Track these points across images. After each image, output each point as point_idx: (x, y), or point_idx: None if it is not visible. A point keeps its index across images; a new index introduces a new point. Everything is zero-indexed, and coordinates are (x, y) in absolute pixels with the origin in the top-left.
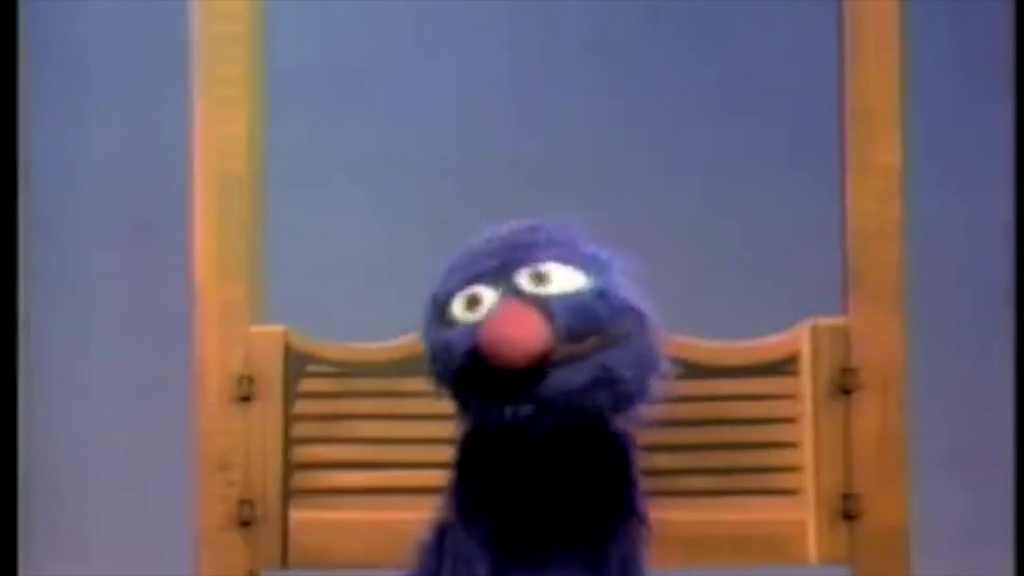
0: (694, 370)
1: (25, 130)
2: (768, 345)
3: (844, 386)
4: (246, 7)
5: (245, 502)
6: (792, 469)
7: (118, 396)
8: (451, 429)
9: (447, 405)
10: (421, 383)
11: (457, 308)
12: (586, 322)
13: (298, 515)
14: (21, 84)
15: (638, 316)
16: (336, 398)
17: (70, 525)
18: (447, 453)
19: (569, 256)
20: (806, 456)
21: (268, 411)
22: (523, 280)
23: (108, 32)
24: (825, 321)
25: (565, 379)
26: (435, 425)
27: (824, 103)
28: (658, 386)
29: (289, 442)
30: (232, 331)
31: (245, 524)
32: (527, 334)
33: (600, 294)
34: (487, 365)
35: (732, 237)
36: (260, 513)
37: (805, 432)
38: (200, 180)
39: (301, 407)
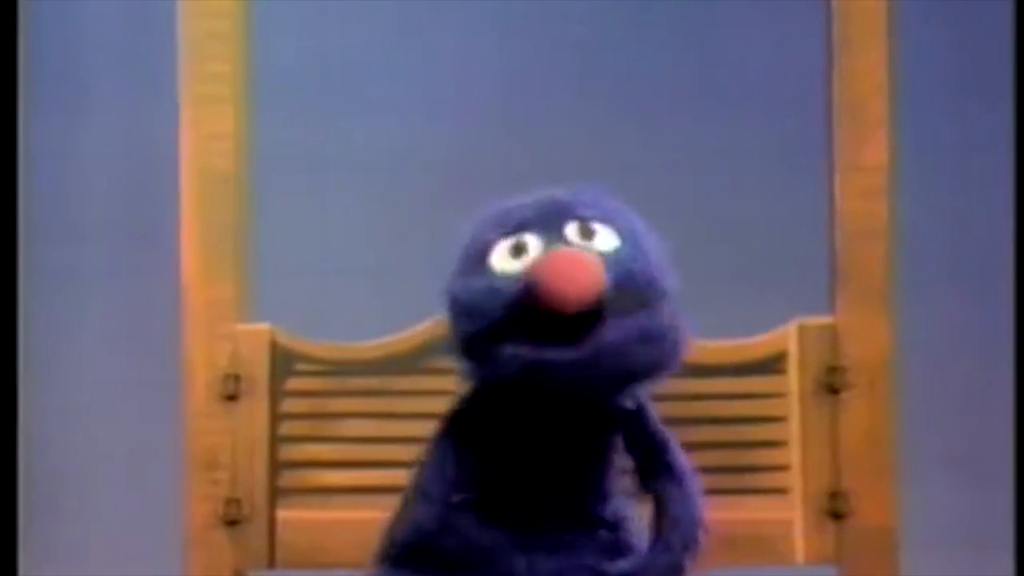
0: (680, 369)
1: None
2: (755, 344)
3: (831, 385)
4: (233, 5)
5: (232, 501)
6: (779, 468)
7: (104, 394)
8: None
9: (435, 404)
10: (409, 382)
11: (498, 257)
12: (629, 281)
13: (285, 514)
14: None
15: (668, 283)
16: (323, 397)
17: (55, 523)
18: None
19: (610, 218)
20: (793, 455)
21: (255, 410)
22: (571, 232)
23: (97, 30)
24: (812, 320)
25: (614, 333)
26: (423, 424)
27: (811, 101)
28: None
29: (276, 441)
30: (219, 329)
31: (232, 523)
32: (588, 276)
33: (637, 258)
34: (536, 311)
35: (719, 235)
36: (247, 512)
37: (792, 431)
38: (186, 178)
39: (288, 406)
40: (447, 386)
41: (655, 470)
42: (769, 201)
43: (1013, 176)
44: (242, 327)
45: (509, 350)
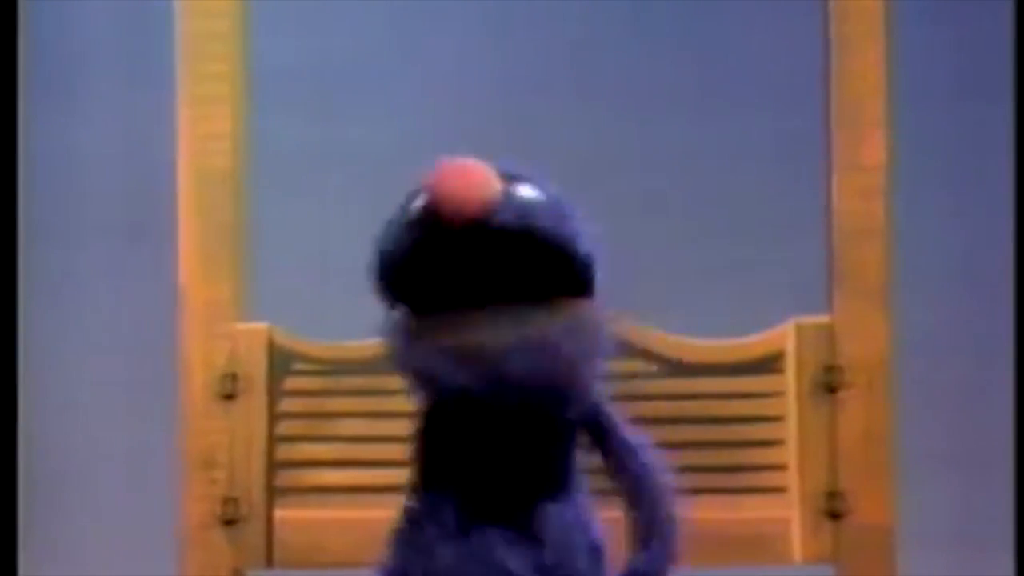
0: (677, 368)
1: (22, 129)
2: (752, 343)
3: (829, 384)
4: (230, 4)
5: (229, 500)
6: (776, 467)
7: (101, 393)
8: None
9: None
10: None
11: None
12: (534, 218)
13: (282, 513)
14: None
15: (583, 257)
16: (321, 396)
17: (52, 521)
18: None
19: (544, 188)
20: (790, 454)
21: (252, 409)
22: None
23: (94, 30)
24: (810, 319)
25: (513, 365)
26: None
27: (809, 100)
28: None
29: (273, 440)
30: (216, 329)
31: (229, 523)
32: (475, 179)
33: (559, 214)
34: (432, 230)
35: (716, 234)
36: (244, 511)
37: (789, 430)
38: (184, 178)
39: (286, 405)
40: None
41: (622, 475)
42: (766, 200)
43: (1013, 176)
44: (240, 326)
45: (394, 330)
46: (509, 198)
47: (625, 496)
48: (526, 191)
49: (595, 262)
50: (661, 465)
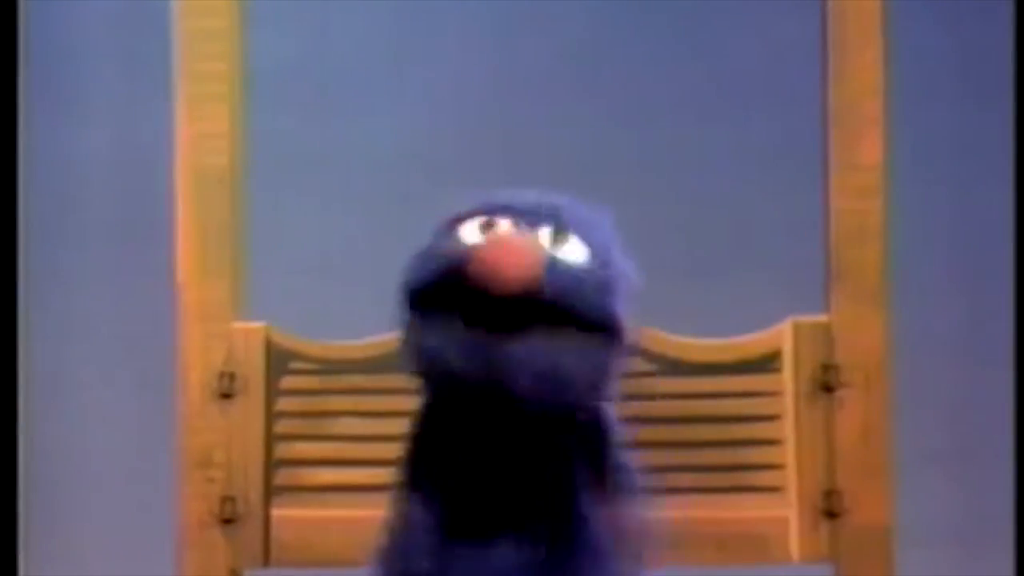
0: (676, 367)
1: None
2: (750, 342)
3: (826, 383)
4: (227, 3)
5: (227, 499)
6: (774, 466)
7: (99, 393)
8: None
9: None
10: (404, 380)
11: (466, 228)
12: (574, 298)
13: (280, 513)
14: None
15: (616, 316)
16: (318, 395)
17: (50, 521)
18: None
19: (590, 235)
20: (788, 453)
21: (250, 408)
22: (544, 233)
23: (91, 29)
24: (807, 318)
25: (519, 352)
26: None
27: (806, 100)
28: (605, 400)
29: (271, 439)
30: (214, 328)
31: (227, 522)
32: (521, 261)
33: (599, 288)
34: (469, 287)
35: (714, 234)
36: (242, 510)
37: (787, 429)
38: (181, 177)
39: (283, 404)
40: None
41: (606, 488)
42: (764, 200)
43: (1013, 175)
44: (237, 325)
45: (420, 332)
46: (553, 271)
47: (610, 500)
48: (571, 255)
49: (629, 319)
50: (644, 492)
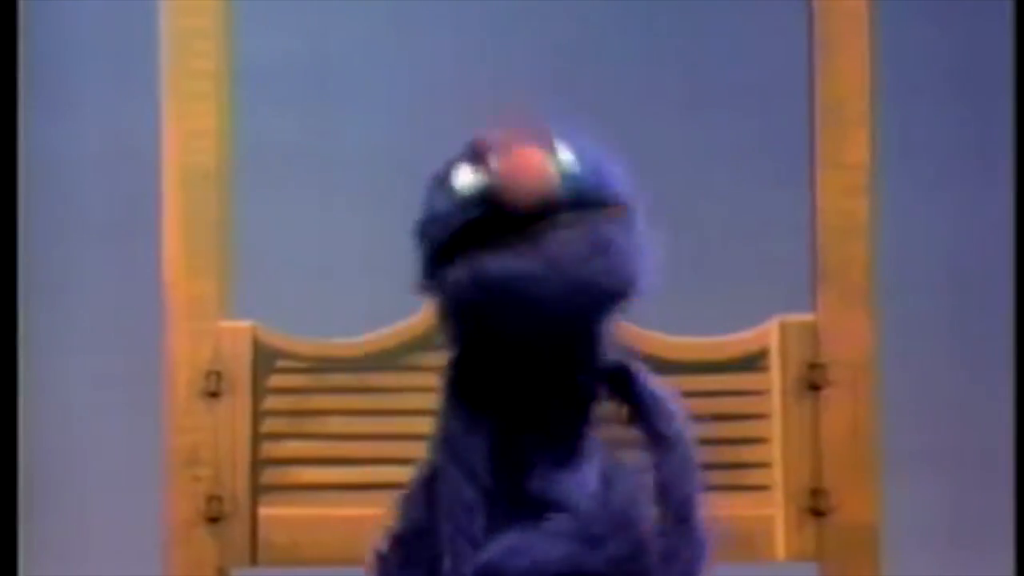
0: (662, 366)
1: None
2: (736, 341)
3: (813, 382)
4: (215, 2)
5: (213, 498)
6: (760, 465)
7: (86, 391)
8: (422, 425)
9: (418, 400)
10: (392, 378)
11: (459, 175)
12: (581, 183)
13: (267, 512)
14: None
15: (625, 192)
16: (306, 394)
17: (36, 520)
18: (418, 449)
19: (575, 147)
20: (774, 452)
21: (237, 407)
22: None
23: (79, 27)
24: (794, 317)
25: (561, 242)
26: (406, 421)
27: (793, 99)
28: (649, 280)
29: (258, 438)
30: (200, 326)
31: (214, 520)
32: (542, 168)
33: (590, 165)
34: (490, 216)
35: (700, 232)
36: (229, 509)
37: (773, 428)
38: (168, 175)
39: (270, 403)
40: (429, 383)
41: (646, 437)
42: (751, 198)
43: (1013, 175)
44: (224, 324)
45: (457, 266)
46: (564, 170)
47: (649, 445)
48: (572, 165)
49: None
50: (685, 416)
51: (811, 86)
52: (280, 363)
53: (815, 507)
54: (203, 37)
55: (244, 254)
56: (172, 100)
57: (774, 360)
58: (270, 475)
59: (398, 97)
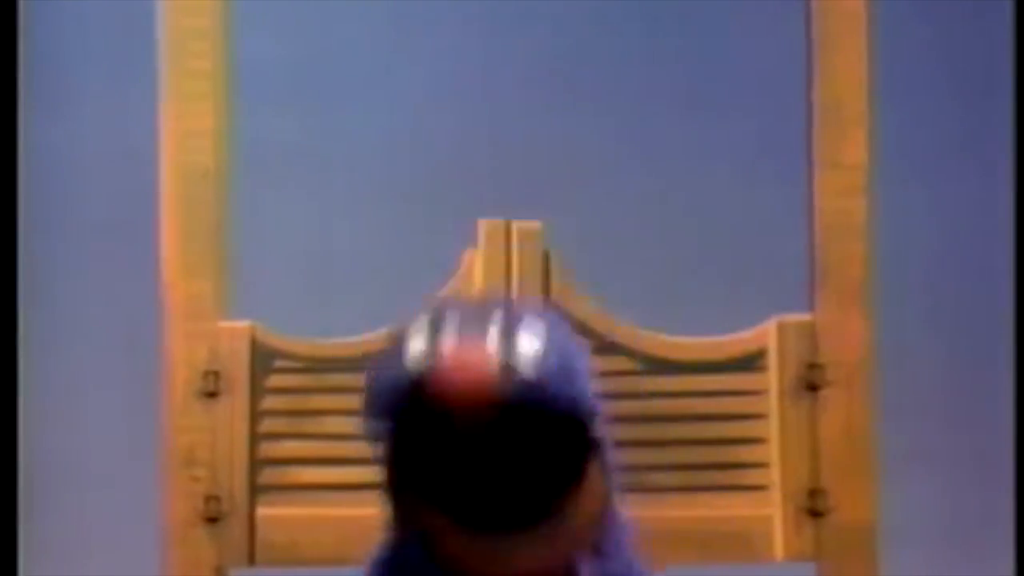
0: (661, 366)
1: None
2: (735, 341)
3: (810, 382)
4: (213, 2)
5: (212, 498)
6: (758, 465)
7: (84, 391)
8: None
9: None
10: None
11: (414, 341)
12: (536, 393)
13: (265, 511)
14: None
15: (584, 411)
16: (303, 394)
17: (35, 519)
18: None
19: (539, 328)
20: (772, 452)
21: (235, 407)
22: (493, 332)
23: (78, 27)
24: (792, 317)
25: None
26: None
27: (791, 100)
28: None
29: (256, 438)
30: (199, 327)
31: (212, 520)
32: (476, 375)
33: (559, 376)
34: (428, 406)
35: (699, 233)
36: (227, 509)
37: (772, 428)
38: (167, 175)
39: (268, 403)
40: None
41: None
42: (749, 199)
43: (1011, 175)
44: (222, 324)
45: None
46: (508, 373)
47: None
48: (524, 347)
49: (597, 414)
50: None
51: (809, 87)
52: (278, 363)
53: (813, 507)
54: (201, 37)
55: (242, 254)
56: (170, 100)
57: (772, 360)
58: (268, 475)
59: (396, 98)
